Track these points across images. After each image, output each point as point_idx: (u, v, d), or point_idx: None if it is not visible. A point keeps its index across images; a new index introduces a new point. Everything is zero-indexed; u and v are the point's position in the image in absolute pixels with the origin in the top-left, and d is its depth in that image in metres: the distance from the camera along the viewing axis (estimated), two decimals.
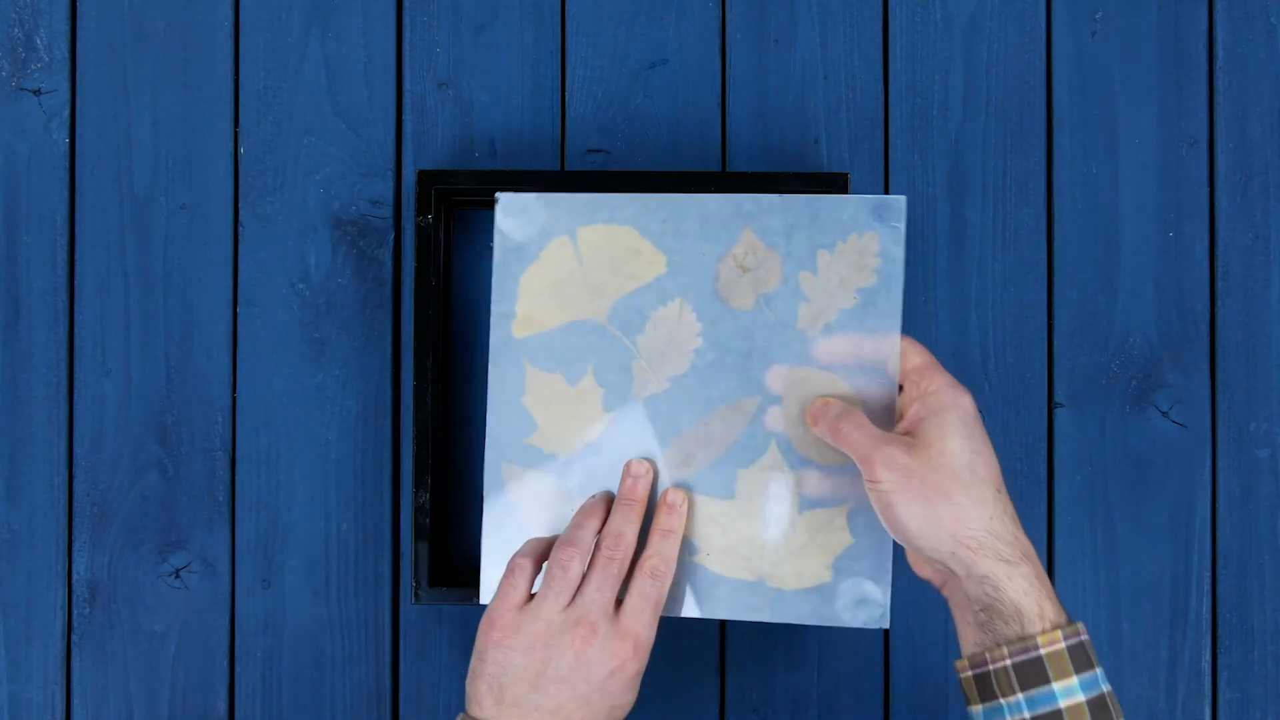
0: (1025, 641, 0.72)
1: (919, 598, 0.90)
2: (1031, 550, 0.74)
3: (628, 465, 0.82)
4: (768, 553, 0.82)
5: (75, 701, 0.91)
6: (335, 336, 0.91)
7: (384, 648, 0.91)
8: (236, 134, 0.92)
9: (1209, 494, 0.91)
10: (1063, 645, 0.71)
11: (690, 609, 0.82)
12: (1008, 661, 0.72)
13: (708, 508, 0.82)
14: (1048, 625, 0.72)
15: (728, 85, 0.92)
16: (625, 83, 0.92)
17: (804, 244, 0.82)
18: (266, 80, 0.92)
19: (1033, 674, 0.71)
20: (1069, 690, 0.71)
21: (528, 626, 0.76)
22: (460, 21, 0.92)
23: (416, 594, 0.86)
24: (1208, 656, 0.91)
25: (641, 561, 0.79)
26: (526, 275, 0.84)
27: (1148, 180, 0.92)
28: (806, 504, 0.81)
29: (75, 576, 0.91)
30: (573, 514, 0.82)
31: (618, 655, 0.76)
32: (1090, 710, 0.71)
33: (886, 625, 0.81)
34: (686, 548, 0.82)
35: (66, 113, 0.92)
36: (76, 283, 0.91)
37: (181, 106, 0.92)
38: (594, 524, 0.80)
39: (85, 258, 0.91)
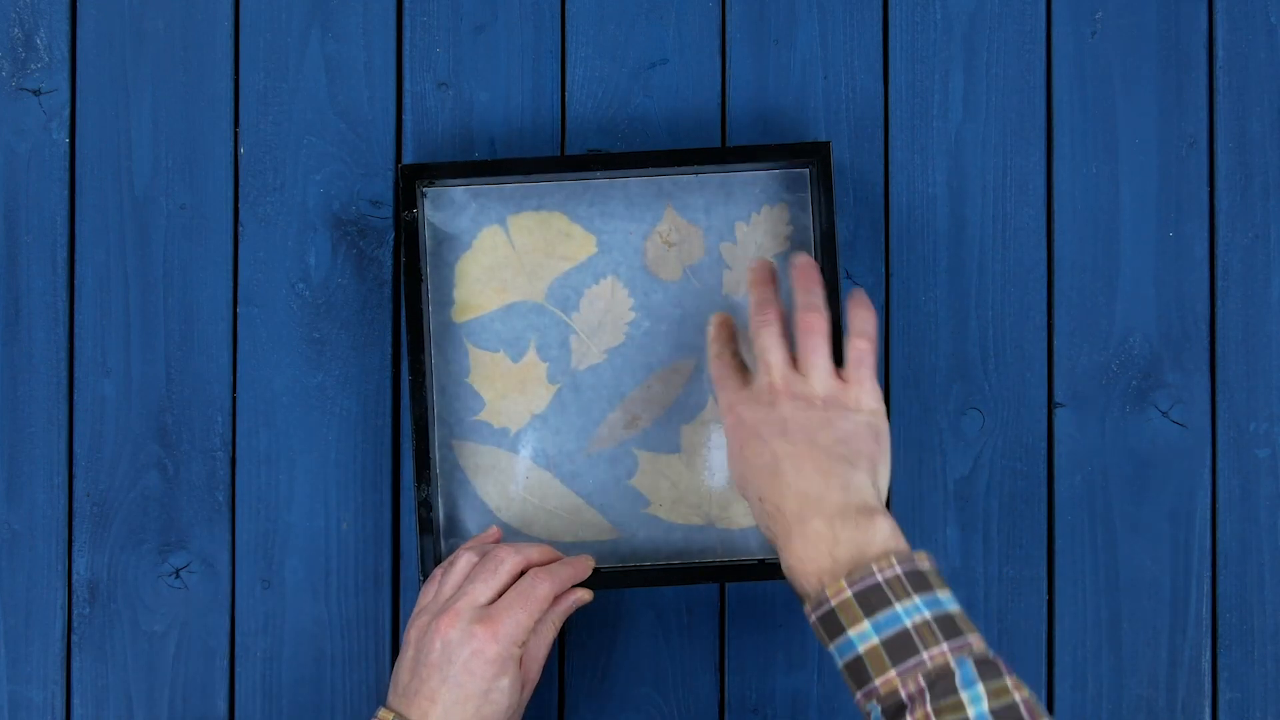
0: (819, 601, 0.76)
1: None
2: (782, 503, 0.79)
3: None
4: (715, 498, 0.89)
5: (75, 701, 0.91)
6: (335, 336, 0.91)
7: (384, 648, 0.91)
8: (236, 134, 0.92)
9: (1209, 494, 0.91)
10: (849, 593, 0.74)
11: (647, 556, 0.88)
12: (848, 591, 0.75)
13: (656, 463, 0.89)
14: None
15: (728, 85, 0.92)
16: (625, 82, 0.92)
17: (722, 217, 0.89)
18: (266, 80, 0.92)
19: (830, 623, 0.75)
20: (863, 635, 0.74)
21: (415, 621, 0.82)
22: (460, 21, 0.92)
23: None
24: (1208, 656, 0.91)
25: (529, 574, 0.83)
26: (461, 263, 0.89)
27: (1148, 180, 0.92)
28: None
29: (75, 576, 0.91)
30: (525, 483, 0.88)
31: (476, 636, 0.80)
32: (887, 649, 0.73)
33: None
34: (640, 501, 0.89)
35: (66, 113, 0.92)
36: (76, 283, 0.91)
37: (181, 106, 0.92)
38: (513, 546, 0.84)
39: (85, 258, 0.91)
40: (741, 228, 0.89)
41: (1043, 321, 0.92)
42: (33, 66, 0.92)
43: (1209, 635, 0.91)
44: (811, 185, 0.88)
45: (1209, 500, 0.91)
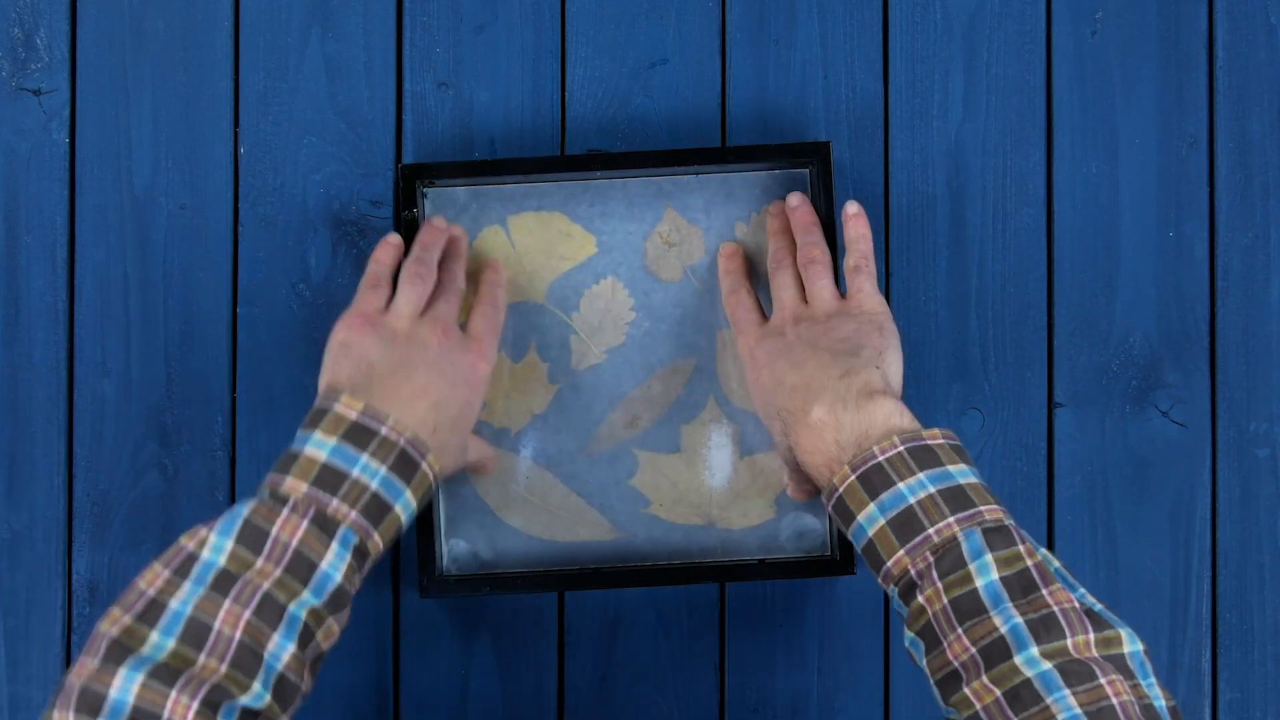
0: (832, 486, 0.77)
1: None
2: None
3: (436, 223, 0.86)
4: (715, 498, 0.89)
5: None
6: None
7: (385, 646, 0.91)
8: (236, 134, 0.92)
9: (1209, 494, 0.91)
10: (853, 478, 0.74)
11: (648, 556, 0.89)
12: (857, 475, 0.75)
13: (656, 463, 0.89)
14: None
15: (728, 85, 0.92)
16: (625, 83, 0.92)
17: (722, 217, 0.89)
18: (266, 80, 0.92)
19: (842, 510, 0.76)
20: (870, 517, 0.74)
21: (390, 323, 0.81)
22: (460, 21, 0.92)
23: (423, 587, 0.86)
24: (1208, 656, 0.91)
25: (480, 296, 0.86)
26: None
27: (1148, 180, 0.92)
28: (746, 450, 0.89)
29: (75, 576, 0.91)
30: (525, 483, 0.88)
31: (472, 351, 0.82)
32: (892, 529, 0.73)
33: (828, 553, 0.87)
34: (640, 501, 0.88)
35: (66, 113, 0.92)
36: (76, 283, 0.91)
37: (181, 106, 0.92)
38: (436, 252, 0.85)
39: (85, 258, 0.91)
40: (741, 228, 0.89)
41: (1043, 321, 0.92)
42: (33, 66, 0.92)
43: (1209, 635, 0.91)
44: (812, 185, 0.88)
45: (1209, 500, 0.91)
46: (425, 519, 0.86)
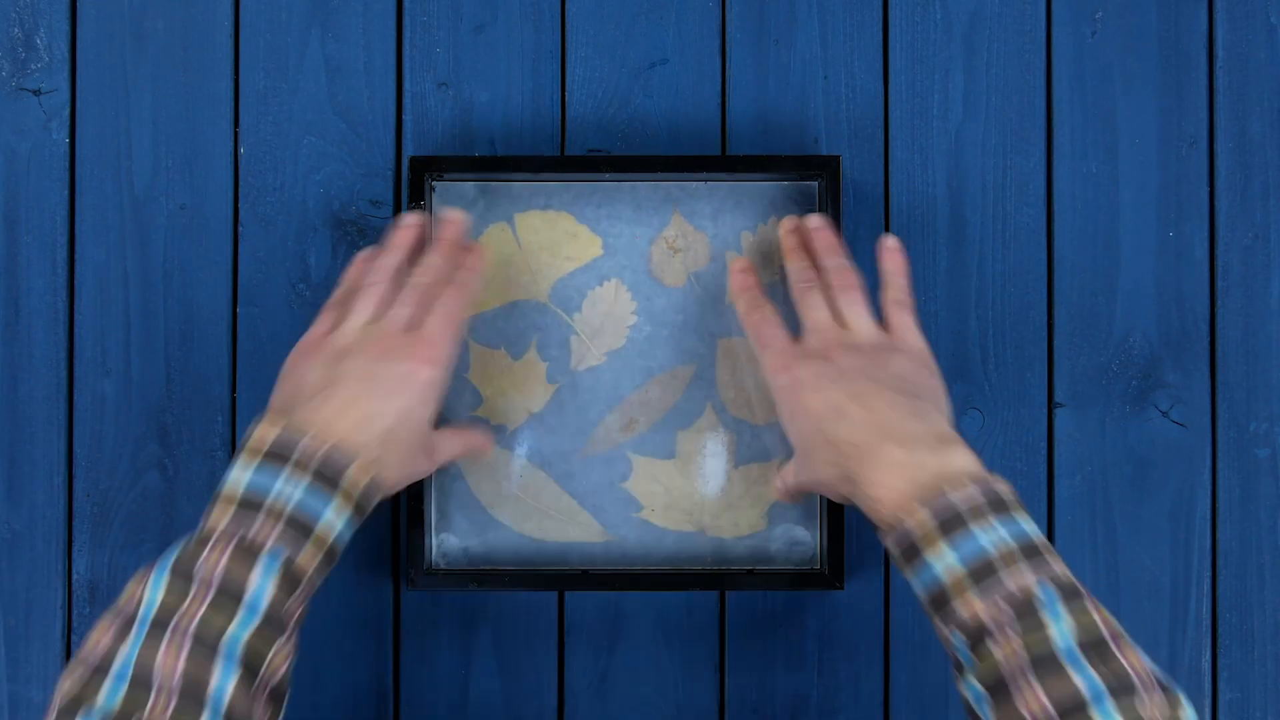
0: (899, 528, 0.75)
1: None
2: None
3: (408, 220, 0.84)
4: (707, 506, 0.89)
5: None
6: None
7: (385, 646, 0.91)
8: (236, 134, 0.92)
9: (1209, 494, 0.91)
10: (930, 521, 0.73)
11: (638, 560, 0.89)
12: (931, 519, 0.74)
13: (650, 468, 0.89)
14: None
15: (728, 85, 0.92)
16: (625, 82, 0.92)
17: (729, 226, 0.89)
18: (266, 80, 0.92)
19: (910, 551, 0.75)
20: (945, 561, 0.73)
21: (333, 342, 0.79)
22: (460, 21, 0.92)
23: (410, 580, 0.86)
24: (1208, 656, 0.91)
25: (448, 289, 0.82)
26: None
27: (1148, 180, 0.92)
28: (741, 459, 0.89)
29: (75, 576, 0.91)
30: (519, 481, 0.88)
31: (413, 355, 0.78)
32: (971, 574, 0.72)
33: (818, 566, 0.89)
34: (632, 505, 0.88)
35: (66, 113, 0.92)
36: (76, 283, 0.91)
37: (181, 106, 0.92)
38: (399, 255, 0.82)
39: (85, 258, 0.91)
40: (748, 237, 0.89)
41: (1043, 321, 0.92)
42: (33, 66, 0.92)
43: (1209, 635, 0.91)
44: (820, 199, 0.88)
45: (1209, 500, 0.91)
46: (416, 513, 0.86)
